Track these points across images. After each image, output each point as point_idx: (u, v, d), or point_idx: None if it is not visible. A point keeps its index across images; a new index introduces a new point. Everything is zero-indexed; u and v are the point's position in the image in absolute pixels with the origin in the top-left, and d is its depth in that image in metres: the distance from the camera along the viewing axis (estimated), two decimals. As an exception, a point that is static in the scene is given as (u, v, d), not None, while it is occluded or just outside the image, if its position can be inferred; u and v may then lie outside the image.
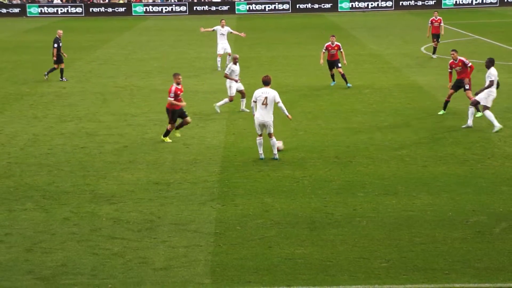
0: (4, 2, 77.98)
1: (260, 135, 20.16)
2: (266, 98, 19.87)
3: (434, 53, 39.18)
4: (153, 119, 25.63)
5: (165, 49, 46.41)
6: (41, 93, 31.03)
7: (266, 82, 20.17)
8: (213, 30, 36.66)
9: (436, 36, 38.90)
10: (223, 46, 36.33)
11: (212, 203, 16.69)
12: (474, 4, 74.87)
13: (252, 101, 20.29)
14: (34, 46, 48.92)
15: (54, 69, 34.01)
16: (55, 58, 33.68)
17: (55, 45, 33.58)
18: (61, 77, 34.06)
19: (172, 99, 21.89)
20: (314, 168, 19.30)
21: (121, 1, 77.33)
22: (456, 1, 74.97)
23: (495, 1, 74.93)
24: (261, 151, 20.17)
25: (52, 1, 77.79)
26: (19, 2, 78.24)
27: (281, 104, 19.91)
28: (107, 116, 26.28)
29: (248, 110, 25.64)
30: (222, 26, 36.18)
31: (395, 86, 31.03)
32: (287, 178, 18.47)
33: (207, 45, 47.16)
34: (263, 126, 19.99)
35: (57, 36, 33.95)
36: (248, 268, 13.19)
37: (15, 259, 13.71)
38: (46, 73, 34.28)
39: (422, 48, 42.88)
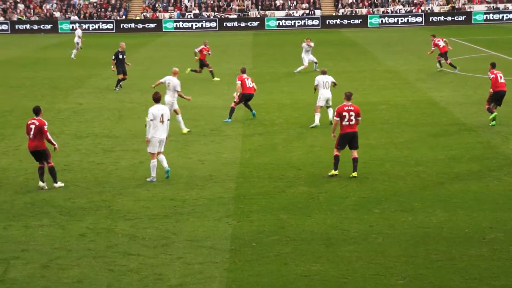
0: (22, 18, 78.64)
1: (154, 155, 20.00)
2: (162, 115, 19.97)
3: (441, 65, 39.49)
4: (168, 135, 25.62)
5: (181, 65, 46.54)
6: (58, 109, 31.20)
7: (157, 100, 20.34)
8: None
9: (444, 54, 39.26)
10: None
11: (228, 219, 16.69)
12: (505, 19, 74.71)
13: (149, 119, 20.02)
14: (53, 63, 49.24)
15: (119, 80, 36.21)
16: (113, 69, 36.24)
17: (113, 57, 35.77)
18: (116, 86, 36.33)
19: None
20: (330, 185, 19.27)
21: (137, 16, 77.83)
22: (486, 17, 74.90)
23: None
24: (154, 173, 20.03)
25: (86, 18, 78.32)
26: (36, 18, 78.95)
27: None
28: (123, 132, 26.38)
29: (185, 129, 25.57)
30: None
31: (411, 102, 31.00)
32: (302, 195, 18.45)
33: (225, 60, 47.33)
34: (160, 143, 20.03)
35: (118, 49, 36.09)
36: (263, 285, 13.17)
37: (32, 275, 13.76)
38: (115, 87, 36.32)
39: (438, 64, 42.79)
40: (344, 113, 19.77)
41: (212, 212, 17.23)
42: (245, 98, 28.14)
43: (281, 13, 76.84)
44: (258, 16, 76.67)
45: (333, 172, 19.97)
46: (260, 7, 77.81)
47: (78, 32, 52.14)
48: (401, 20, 74.80)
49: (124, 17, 78.04)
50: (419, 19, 74.55)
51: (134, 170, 21.07)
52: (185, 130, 25.93)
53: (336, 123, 20.02)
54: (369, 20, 74.68)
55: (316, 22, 74.48)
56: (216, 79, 38.93)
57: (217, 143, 24.32)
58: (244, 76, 28.25)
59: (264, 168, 21.01)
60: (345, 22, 74.72)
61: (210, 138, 25.02)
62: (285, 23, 75.26)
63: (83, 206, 17.81)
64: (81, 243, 15.33)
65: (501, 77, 25.82)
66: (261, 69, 43.20)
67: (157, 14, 77.77)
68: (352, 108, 19.86)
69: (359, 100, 31.46)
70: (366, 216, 16.72)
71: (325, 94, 26.55)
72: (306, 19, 75.06)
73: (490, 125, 25.81)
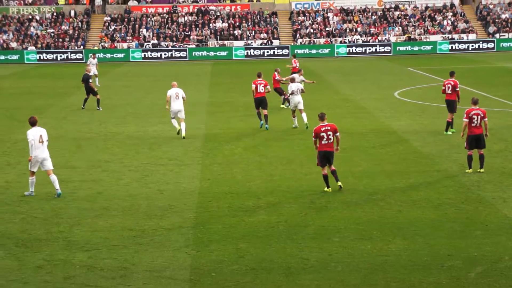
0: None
1: (33, 173, 21.18)
2: (41, 136, 20.94)
3: None
4: (127, 165, 25.54)
5: (140, 95, 46.46)
6: (15, 140, 30.85)
7: (33, 123, 21.22)
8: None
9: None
10: None
11: (187, 249, 16.59)
12: (470, 49, 75.81)
13: (29, 141, 20.96)
14: (9, 93, 48.80)
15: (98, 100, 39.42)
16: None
17: (86, 80, 39.25)
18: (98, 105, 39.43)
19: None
20: (289, 213, 19.28)
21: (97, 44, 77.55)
22: (452, 47, 75.97)
23: (492, 46, 75.98)
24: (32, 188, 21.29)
25: (43, 48, 77.82)
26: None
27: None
28: (81, 163, 26.16)
29: None
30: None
31: (368, 130, 31.22)
32: (262, 224, 18.43)
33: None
34: (42, 163, 21.06)
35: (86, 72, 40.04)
36: (223, 315, 13.07)
37: (-13, 308, 13.51)
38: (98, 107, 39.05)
39: (396, 93, 43.27)
40: (322, 134, 20.82)
41: (171, 242, 17.11)
42: (257, 102, 31.52)
43: (239, 43, 77.22)
44: (217, 46, 76.95)
45: (326, 189, 21.13)
46: (218, 37, 78.14)
47: (93, 61, 51.96)
48: (369, 49, 75.57)
49: (82, 47, 77.74)
50: (387, 48, 75.36)
51: (92, 201, 20.88)
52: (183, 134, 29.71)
53: (314, 143, 21.17)
54: (335, 50, 75.38)
55: (286, 51, 74.73)
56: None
57: (176, 173, 24.24)
58: (258, 81, 31.67)
59: (224, 198, 20.96)
60: (314, 51, 75.44)
61: (169, 168, 24.93)
62: (253, 52, 75.54)
63: (40, 237, 17.57)
64: (37, 275, 15.10)
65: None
66: (219, 98, 43.26)
67: (115, 44, 77.62)
68: (328, 128, 20.91)
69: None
70: (325, 244, 16.74)
71: (296, 99, 31.01)
72: (276, 48, 75.43)
73: (447, 133, 28.48)
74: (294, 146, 28.28)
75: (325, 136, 20.90)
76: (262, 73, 33.36)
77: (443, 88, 29.72)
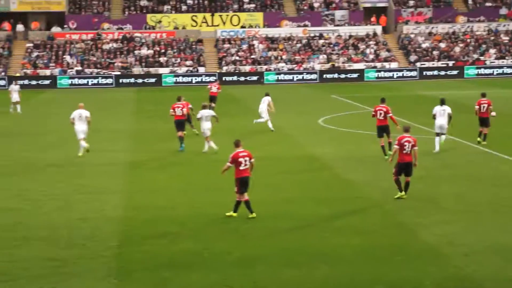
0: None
1: None
2: None
3: None
4: (49, 193, 25.05)
5: (64, 122, 45.75)
6: None
7: None
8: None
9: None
10: None
11: (110, 278, 16.32)
12: (395, 77, 77.06)
13: None
14: None
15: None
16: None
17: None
18: None
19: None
20: (214, 240, 19.18)
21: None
22: (378, 75, 77.09)
23: (415, 75, 77.35)
24: None
25: None
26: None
27: None
28: (0, 192, 25.55)
29: None
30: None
31: (294, 157, 31.39)
32: (186, 251, 18.28)
33: (104, 117, 46.89)
34: None
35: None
36: None
37: None
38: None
39: (320, 121, 43.68)
40: (240, 159, 21.11)
41: (93, 271, 16.81)
42: (177, 124, 32.84)
43: (165, 70, 76.99)
44: (142, 72, 76.55)
45: (250, 215, 21.30)
46: (143, 64, 77.78)
47: (15, 87, 50.83)
48: (297, 77, 76.16)
49: (3, 74, 76.37)
50: (314, 76, 76.07)
51: (11, 230, 20.39)
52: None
53: (227, 168, 21.46)
54: (265, 77, 75.71)
55: (203, 79, 74.69)
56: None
57: (100, 201, 23.89)
58: (177, 104, 32.97)
59: (147, 225, 20.74)
60: (242, 78, 75.67)
61: (93, 196, 24.57)
62: (182, 79, 75.23)
63: (-43, 268, 17.05)
64: (-47, 307, 14.63)
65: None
66: (143, 125, 42.94)
67: (38, 71, 76.45)
68: (246, 154, 21.34)
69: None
70: (250, 271, 16.68)
71: (203, 125, 31.91)
72: (204, 75, 75.31)
73: (387, 157, 28.41)
74: (218, 173, 28.15)
75: (243, 162, 21.19)
76: (183, 97, 34.33)
77: (373, 113, 30.64)
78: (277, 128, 40.82)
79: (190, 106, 35.10)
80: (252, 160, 21.48)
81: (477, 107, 33.56)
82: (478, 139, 33.34)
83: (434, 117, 31.79)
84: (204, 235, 19.71)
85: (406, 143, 22.93)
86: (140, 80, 75.26)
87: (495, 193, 23.96)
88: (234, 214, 21.34)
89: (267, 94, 40.68)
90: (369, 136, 35.40)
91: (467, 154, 31.25)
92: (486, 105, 33.35)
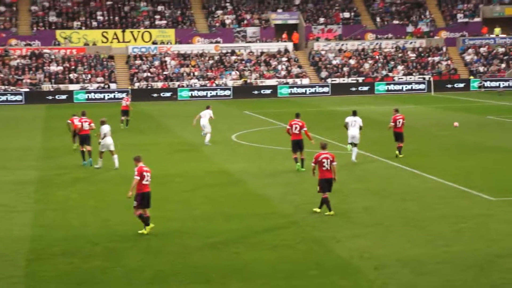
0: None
1: None
2: None
3: None
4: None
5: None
6: None
7: None
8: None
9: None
10: None
11: (18, 299, 15.92)
12: (308, 93, 77.83)
13: None
14: None
15: None
16: None
17: None
18: None
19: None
20: (126, 259, 18.94)
21: None
22: (291, 91, 77.82)
23: (327, 91, 78.28)
24: None
25: None
26: None
27: None
28: None
29: None
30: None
31: (207, 173, 31.32)
32: (98, 269, 17.99)
33: (13, 136, 45.93)
34: None
35: None
36: None
37: None
38: None
39: (233, 136, 43.77)
40: (144, 173, 21.12)
41: (1, 292, 16.37)
42: (81, 139, 33.12)
43: (75, 87, 75.93)
44: (52, 89, 75.30)
45: (143, 231, 21.21)
46: (53, 80, 76.55)
47: None
48: (210, 93, 76.15)
49: None
50: (227, 92, 76.21)
51: None
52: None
53: (136, 182, 21.19)
54: (178, 93, 75.39)
55: (113, 95, 73.84)
56: None
57: (7, 220, 23.33)
58: (84, 119, 33.39)
59: (58, 244, 20.33)
60: (155, 95, 75.18)
61: (0, 215, 23.95)
62: (86, 96, 74.16)
63: None
64: None
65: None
66: (53, 143, 42.17)
67: None
68: (148, 169, 21.31)
69: (155, 173, 31.38)
70: (163, 289, 16.52)
71: (107, 141, 32.03)
72: (105, 93, 74.47)
73: (303, 169, 30.36)
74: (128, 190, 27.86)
75: (146, 177, 21.21)
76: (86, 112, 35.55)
77: (288, 128, 31.11)
78: (190, 145, 40.73)
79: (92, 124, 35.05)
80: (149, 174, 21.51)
81: (392, 123, 34.23)
82: (397, 152, 34.11)
83: (346, 126, 33.39)
84: (117, 253, 19.44)
85: (324, 160, 23.15)
86: (50, 97, 73.92)
87: (405, 207, 24.41)
88: (145, 231, 21.16)
89: (208, 107, 41.29)
90: (282, 152, 35.66)
91: (378, 169, 31.79)
92: (401, 120, 34.16)
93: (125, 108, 50.27)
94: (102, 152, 32.40)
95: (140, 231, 21.22)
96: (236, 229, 21.85)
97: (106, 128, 32.34)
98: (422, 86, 79.55)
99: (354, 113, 33.54)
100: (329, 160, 23.22)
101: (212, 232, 21.54)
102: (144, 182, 21.16)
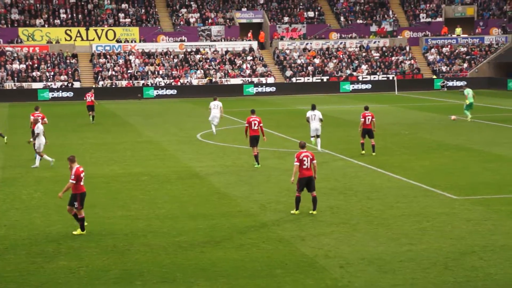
0: None
1: None
2: None
3: None
4: None
5: None
6: None
7: None
8: None
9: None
10: None
11: (-18, 300, 15.78)
12: (273, 92, 78.07)
13: None
14: None
15: None
16: None
17: None
18: None
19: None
20: (90, 258, 18.85)
21: None
22: (256, 90, 77.82)
23: (292, 90, 78.50)
24: None
25: None
26: None
27: None
28: None
29: None
30: None
31: (172, 172, 31.27)
32: (62, 270, 17.88)
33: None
34: None
35: None
36: None
37: None
38: None
39: (198, 135, 43.72)
40: (81, 175, 21.15)
41: (-36, 293, 16.22)
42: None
43: (38, 85, 75.30)
44: (15, 88, 74.62)
45: (79, 231, 21.18)
46: (16, 79, 75.85)
47: None
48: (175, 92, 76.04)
49: None
50: (193, 91, 76.16)
51: None
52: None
53: (70, 185, 21.15)
54: (145, 92, 75.06)
55: (79, 93, 73.23)
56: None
57: (-30, 220, 23.08)
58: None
59: (21, 244, 20.18)
60: (110, 93, 74.70)
61: (-38, 215, 23.73)
62: (50, 95, 73.45)
63: None
64: None
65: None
66: (16, 141, 41.77)
67: None
68: (82, 169, 21.34)
69: (120, 172, 31.38)
70: (128, 289, 16.48)
71: (41, 140, 32.36)
72: (69, 91, 73.89)
73: (258, 166, 31.72)
74: (96, 190, 27.76)
75: (82, 178, 21.23)
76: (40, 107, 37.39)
77: (247, 125, 32.07)
78: (155, 143, 40.63)
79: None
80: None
81: (362, 119, 34.64)
82: (363, 152, 34.52)
83: (307, 120, 35.77)
84: (81, 253, 19.34)
85: (305, 158, 23.20)
86: (13, 95, 73.15)
87: (369, 206, 24.58)
88: (84, 232, 21.11)
89: (215, 99, 43.42)
90: (246, 150, 35.69)
91: (343, 168, 31.96)
92: (370, 117, 34.66)
93: (90, 103, 51.70)
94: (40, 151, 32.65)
95: (74, 232, 21.16)
96: (201, 228, 21.85)
97: (41, 127, 32.77)
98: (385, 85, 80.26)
99: (313, 107, 35.57)
100: (309, 159, 23.27)
101: (178, 231, 21.52)
102: (82, 183, 21.19)
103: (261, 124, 32.19)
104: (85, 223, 21.36)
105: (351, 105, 63.95)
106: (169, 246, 19.97)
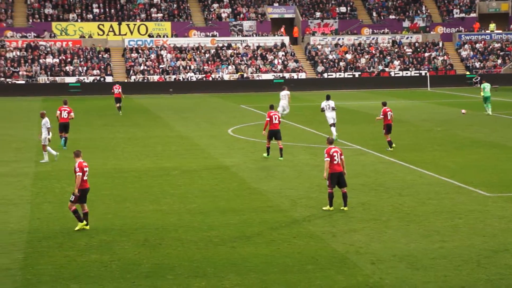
0: None
1: None
2: None
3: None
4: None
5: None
6: None
7: None
8: None
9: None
10: None
11: (15, 292, 15.95)
12: (304, 88, 77.73)
13: None
14: None
15: None
16: None
17: None
18: None
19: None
20: (122, 252, 18.96)
21: None
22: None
23: (323, 85, 78.34)
24: None
25: None
26: None
27: None
28: None
29: None
30: None
31: (203, 167, 31.35)
32: (94, 263, 18.01)
33: (9, 127, 45.82)
34: None
35: None
36: None
37: None
38: None
39: (229, 130, 43.78)
40: (85, 169, 21.16)
41: (-2, 285, 16.40)
42: (61, 127, 35.81)
43: (71, 79, 75.84)
44: (48, 82, 75.23)
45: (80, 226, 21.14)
46: (49, 73, 76.45)
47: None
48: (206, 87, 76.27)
49: None
50: (223, 86, 76.34)
51: None
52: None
53: (80, 178, 21.14)
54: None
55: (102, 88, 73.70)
56: None
57: (4, 213, 23.32)
58: (63, 107, 35.78)
59: (55, 237, 20.36)
60: (141, 88, 75.06)
61: (-4, 207, 23.99)
62: (75, 89, 74.07)
63: None
64: None
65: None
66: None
67: None
68: (86, 164, 21.34)
69: (151, 166, 31.51)
70: (159, 282, 16.56)
71: (43, 135, 32.46)
72: (99, 85, 74.36)
73: (268, 156, 32.92)
74: (127, 184, 27.93)
75: (86, 172, 21.22)
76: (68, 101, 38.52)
77: (268, 119, 32.77)
78: (186, 138, 40.76)
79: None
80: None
81: (382, 116, 34.66)
82: (391, 148, 34.69)
83: (322, 110, 38.72)
84: (113, 246, 19.46)
85: (335, 153, 23.22)
86: (45, 89, 73.73)
87: (401, 202, 24.46)
88: (82, 226, 21.05)
89: (284, 88, 46.36)
90: (277, 146, 35.63)
91: (375, 164, 31.83)
92: (390, 113, 34.68)
93: (118, 95, 53.46)
94: (45, 145, 32.70)
95: (76, 228, 21.09)
96: (232, 223, 21.88)
97: (46, 122, 32.94)
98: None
99: (328, 98, 38.70)
100: (339, 154, 23.30)
101: (209, 226, 21.57)
102: (84, 177, 21.16)
103: (280, 119, 33.35)
104: (84, 222, 21.22)
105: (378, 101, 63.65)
106: (200, 240, 20.02)
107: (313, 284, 16.50)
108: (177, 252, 18.93)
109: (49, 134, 32.59)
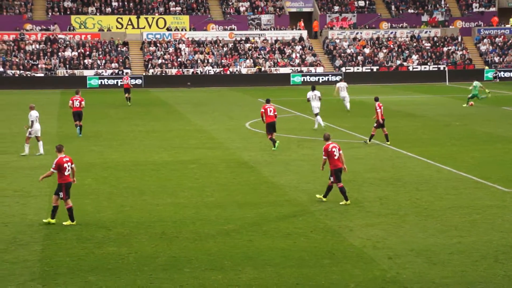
0: None
1: None
2: None
3: None
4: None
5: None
6: None
7: None
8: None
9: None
10: None
11: (33, 283, 16.04)
12: (320, 81, 77.60)
13: None
14: None
15: None
16: None
17: None
18: None
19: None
20: (140, 244, 19.03)
21: None
22: (304, 79, 77.67)
23: (340, 79, 78.21)
24: None
25: None
26: None
27: None
28: None
29: None
30: None
31: (220, 161, 31.38)
32: (112, 255, 18.09)
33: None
34: None
35: None
36: None
37: None
38: None
39: (247, 124, 43.79)
40: (64, 165, 21.15)
41: (16, 276, 16.50)
42: (75, 116, 37.79)
43: (89, 72, 76.10)
44: (67, 75, 75.52)
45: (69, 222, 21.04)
46: (68, 66, 76.75)
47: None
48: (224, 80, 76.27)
49: None
50: (241, 79, 76.35)
51: None
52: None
53: (50, 174, 21.44)
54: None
55: (139, 81, 73.73)
56: None
57: (22, 204, 23.47)
58: (75, 97, 37.76)
59: (72, 229, 20.46)
60: (160, 81, 75.17)
61: (15, 199, 24.13)
62: (99, 82, 74.21)
63: None
64: None
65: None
66: (67, 128, 42.27)
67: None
68: (68, 159, 21.44)
69: (169, 159, 31.59)
70: (176, 275, 16.61)
71: (36, 126, 32.74)
72: (118, 79, 74.44)
73: (275, 148, 33.57)
74: (145, 177, 28.02)
75: (67, 168, 21.16)
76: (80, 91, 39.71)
77: (262, 111, 34.23)
78: (203, 132, 40.81)
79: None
80: (73, 165, 21.46)
81: (379, 110, 34.39)
82: (388, 143, 34.72)
83: (308, 100, 40.87)
84: (131, 239, 19.54)
85: (334, 149, 23.24)
86: (64, 82, 73.96)
87: (418, 197, 24.40)
88: (53, 221, 20.95)
89: (341, 80, 50.18)
90: (294, 140, 35.66)
91: (392, 158, 31.75)
92: (380, 109, 34.66)
93: (127, 86, 54.18)
94: (29, 138, 32.78)
95: (45, 220, 21.17)
96: (249, 217, 21.91)
97: (34, 114, 32.93)
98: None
99: (313, 88, 41.28)
100: (337, 149, 23.30)
101: (226, 219, 21.61)
102: (66, 173, 21.11)
103: (275, 113, 34.20)
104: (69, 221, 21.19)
105: (401, 96, 63.46)
106: (217, 234, 20.06)
107: (329, 278, 16.50)
108: (194, 245, 18.98)
109: (32, 127, 32.64)
